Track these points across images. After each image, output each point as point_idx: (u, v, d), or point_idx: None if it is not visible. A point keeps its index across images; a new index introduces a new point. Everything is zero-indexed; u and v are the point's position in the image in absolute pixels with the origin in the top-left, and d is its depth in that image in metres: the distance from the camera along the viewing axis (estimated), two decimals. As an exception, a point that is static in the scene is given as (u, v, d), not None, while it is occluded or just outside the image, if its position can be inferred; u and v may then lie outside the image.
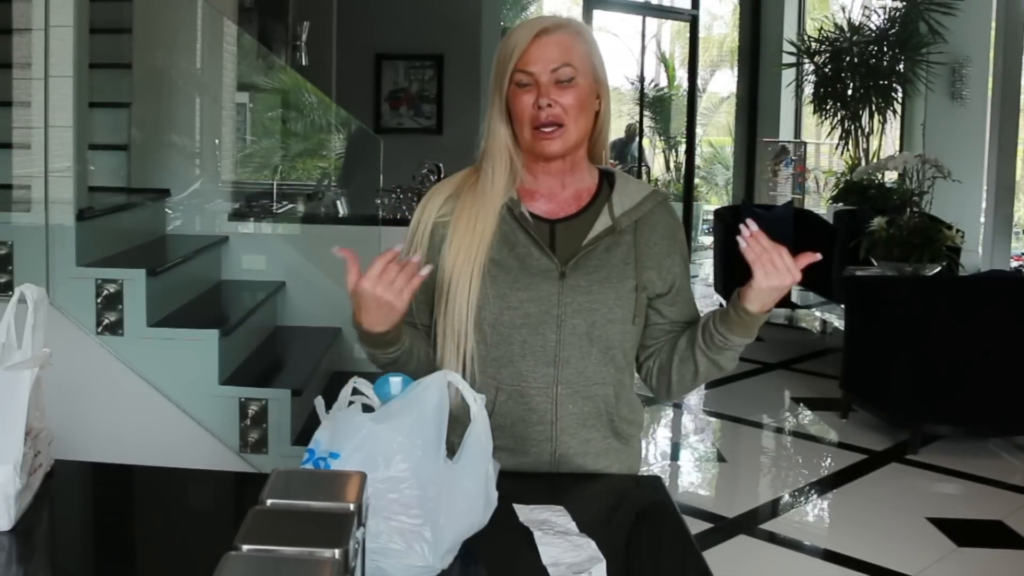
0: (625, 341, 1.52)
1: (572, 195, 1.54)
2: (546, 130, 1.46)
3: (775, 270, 1.40)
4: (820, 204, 9.07)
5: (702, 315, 1.56)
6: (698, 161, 11.87)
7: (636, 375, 1.62)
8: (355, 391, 1.21)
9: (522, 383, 1.49)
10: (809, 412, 4.98)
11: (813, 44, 8.24)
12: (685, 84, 10.90)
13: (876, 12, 8.21)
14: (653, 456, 4.37)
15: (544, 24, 1.48)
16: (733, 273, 6.99)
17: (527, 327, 1.48)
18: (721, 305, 1.52)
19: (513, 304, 1.47)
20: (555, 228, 1.52)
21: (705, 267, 9.76)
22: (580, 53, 1.47)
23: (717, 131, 14.74)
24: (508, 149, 1.50)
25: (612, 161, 1.66)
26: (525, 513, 1.30)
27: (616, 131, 11.89)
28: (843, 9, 9.05)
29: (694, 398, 5.28)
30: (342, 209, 4.37)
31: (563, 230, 1.52)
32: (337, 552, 0.86)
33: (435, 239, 1.52)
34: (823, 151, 10.58)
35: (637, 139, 11.32)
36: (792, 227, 7.05)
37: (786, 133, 9.83)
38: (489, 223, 1.48)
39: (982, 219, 7.74)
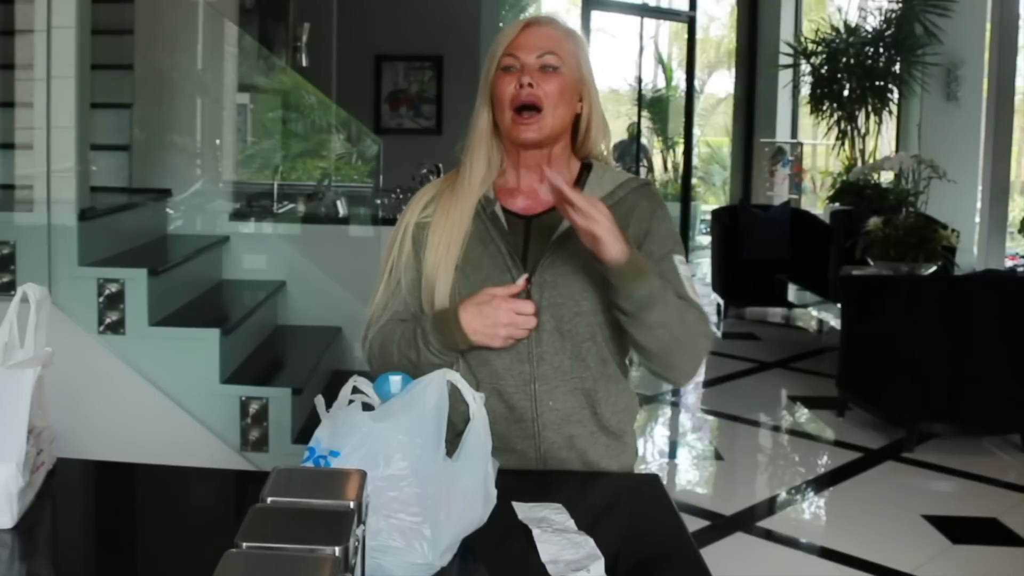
0: (599, 333, 1.52)
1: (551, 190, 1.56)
2: (524, 114, 1.48)
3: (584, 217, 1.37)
4: (817, 204, 9.08)
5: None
6: (695, 161, 11.86)
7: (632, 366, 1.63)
8: (355, 390, 1.22)
9: (500, 381, 1.51)
10: (806, 410, 4.99)
11: (810, 45, 8.24)
12: (683, 85, 10.91)
13: (872, 14, 8.22)
14: (651, 454, 4.38)
15: (536, 17, 1.55)
16: (730, 273, 7.02)
17: None
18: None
19: None
20: (530, 225, 1.54)
21: (703, 267, 9.77)
22: (567, 48, 1.52)
23: (714, 131, 14.73)
24: (488, 136, 1.53)
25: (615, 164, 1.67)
26: (524, 511, 1.31)
27: (620, 132, 11.90)
28: (839, 11, 9.06)
29: (691, 397, 5.30)
30: (342, 209, 4.39)
31: (536, 227, 1.54)
32: (337, 549, 0.86)
33: (418, 239, 1.55)
34: (820, 151, 10.59)
35: (637, 140, 11.35)
36: (789, 227, 7.07)
37: (783, 134, 9.84)
38: (464, 219, 1.51)
39: (977, 219, 7.75)
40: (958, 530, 3.43)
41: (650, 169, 12.20)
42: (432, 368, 1.45)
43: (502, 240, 1.52)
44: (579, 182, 1.57)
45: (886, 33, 7.84)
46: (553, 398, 1.51)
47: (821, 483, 3.98)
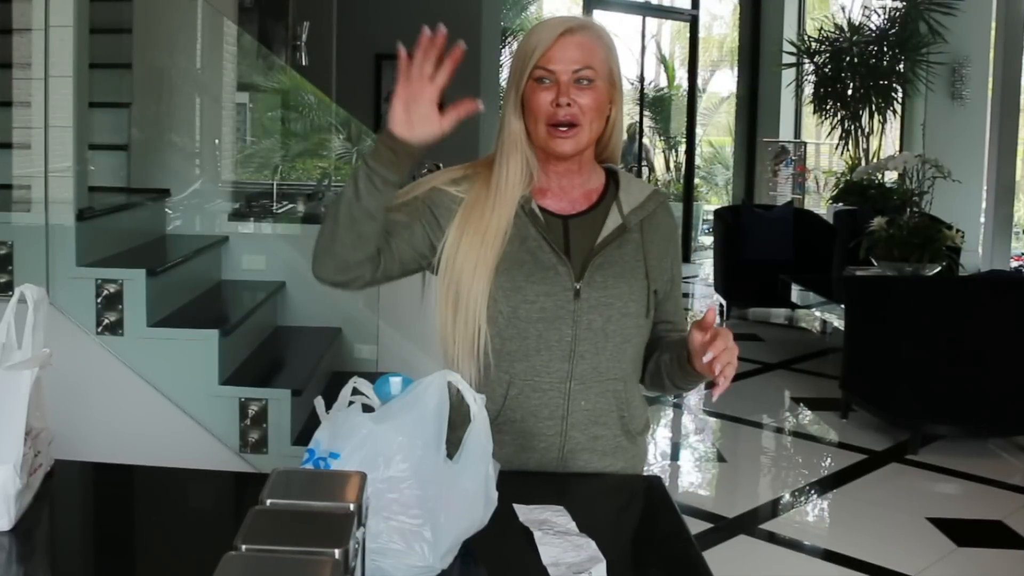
0: (637, 335, 1.54)
1: (582, 194, 1.56)
2: (561, 129, 1.47)
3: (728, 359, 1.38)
4: (820, 204, 9.08)
5: (665, 350, 1.55)
6: (698, 161, 11.88)
7: None
8: (355, 391, 1.21)
9: (535, 377, 1.49)
10: (809, 412, 4.98)
11: (813, 44, 8.25)
12: (685, 84, 10.92)
13: (876, 12, 8.22)
14: (653, 456, 4.37)
15: (569, 24, 1.49)
16: (732, 273, 7.00)
17: (543, 321, 1.48)
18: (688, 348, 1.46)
19: (530, 298, 1.48)
20: (568, 224, 1.53)
21: (705, 267, 9.77)
22: (600, 56, 1.49)
23: (717, 131, 14.75)
24: (522, 145, 1.51)
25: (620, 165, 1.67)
26: (525, 513, 1.30)
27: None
28: (843, 9, 9.06)
29: (694, 398, 5.28)
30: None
31: (575, 227, 1.53)
32: (337, 552, 0.86)
33: (433, 202, 1.51)
34: (823, 151, 10.59)
35: (638, 139, 11.35)
36: (792, 227, 7.06)
37: (786, 133, 9.84)
38: (503, 220, 1.49)
39: (982, 219, 7.75)
40: (963, 533, 3.41)
41: (652, 170, 12.20)
42: (368, 203, 1.39)
43: (543, 237, 1.50)
44: (608, 189, 1.57)
45: (890, 32, 7.85)
46: (586, 398, 1.51)
47: (825, 485, 3.97)
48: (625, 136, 11.24)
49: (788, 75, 8.90)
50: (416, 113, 1.36)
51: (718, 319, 1.36)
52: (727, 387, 1.37)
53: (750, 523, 3.53)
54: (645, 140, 12.20)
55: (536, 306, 1.48)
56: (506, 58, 8.74)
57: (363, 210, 1.41)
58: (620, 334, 1.50)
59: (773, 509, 3.72)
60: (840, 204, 7.11)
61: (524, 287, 1.48)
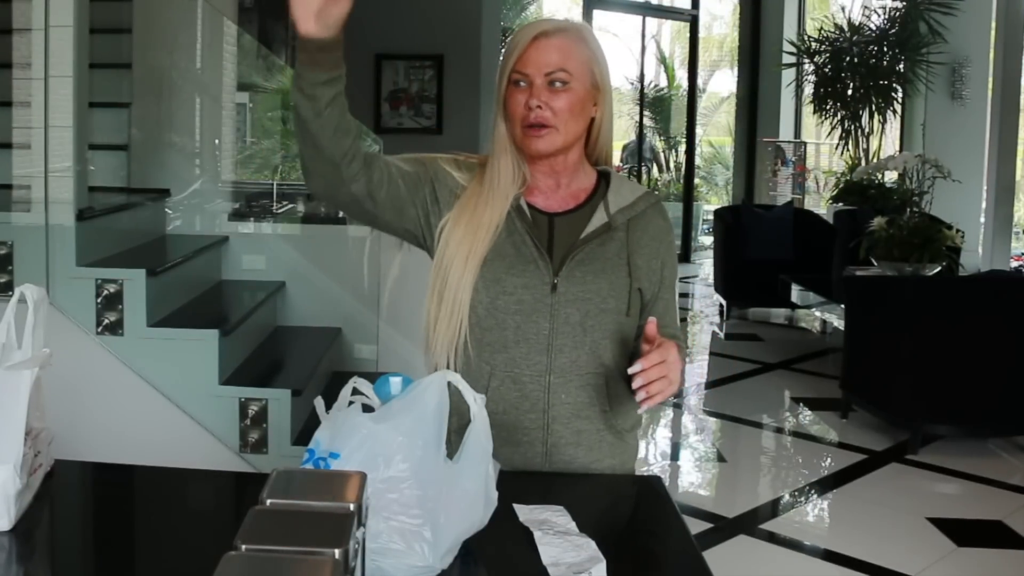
0: (618, 332, 1.54)
1: (570, 193, 1.57)
2: (533, 129, 1.49)
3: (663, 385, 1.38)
4: (820, 204, 9.07)
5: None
6: (698, 161, 11.87)
7: None
8: (355, 391, 1.21)
9: (515, 369, 1.51)
10: (809, 412, 4.98)
11: (813, 44, 8.25)
12: (685, 84, 10.92)
13: (876, 12, 8.22)
14: (653, 456, 4.37)
15: (545, 27, 1.50)
16: (732, 273, 7.00)
17: (521, 314, 1.50)
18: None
19: (508, 289, 1.50)
20: (553, 221, 1.55)
21: (705, 267, 9.76)
22: (579, 58, 1.49)
23: (717, 131, 14.74)
24: (509, 146, 1.53)
25: (619, 164, 1.68)
26: (525, 513, 1.30)
27: (623, 133, 11.89)
28: (843, 9, 9.07)
29: (694, 398, 5.28)
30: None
31: (561, 224, 1.55)
32: (337, 552, 0.86)
33: (436, 176, 1.53)
34: (823, 151, 10.58)
35: (647, 140, 11.37)
36: (792, 227, 7.06)
37: (786, 133, 9.84)
38: (495, 216, 1.51)
39: (982, 219, 7.75)
40: (963, 533, 3.41)
41: (662, 170, 12.20)
42: (305, 111, 1.36)
43: (527, 232, 1.52)
44: (597, 189, 1.58)
45: (890, 32, 7.85)
46: (566, 391, 1.52)
47: (825, 485, 3.97)
48: (634, 138, 11.24)
49: (788, 75, 8.90)
50: (307, 6, 1.27)
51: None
52: (651, 404, 1.37)
53: (750, 523, 3.53)
54: (653, 142, 12.21)
55: (514, 298, 1.50)
56: (506, 58, 8.74)
57: (304, 118, 1.37)
58: (598, 329, 1.51)
59: (773, 509, 3.71)
60: (840, 204, 7.11)
61: (504, 279, 1.50)
